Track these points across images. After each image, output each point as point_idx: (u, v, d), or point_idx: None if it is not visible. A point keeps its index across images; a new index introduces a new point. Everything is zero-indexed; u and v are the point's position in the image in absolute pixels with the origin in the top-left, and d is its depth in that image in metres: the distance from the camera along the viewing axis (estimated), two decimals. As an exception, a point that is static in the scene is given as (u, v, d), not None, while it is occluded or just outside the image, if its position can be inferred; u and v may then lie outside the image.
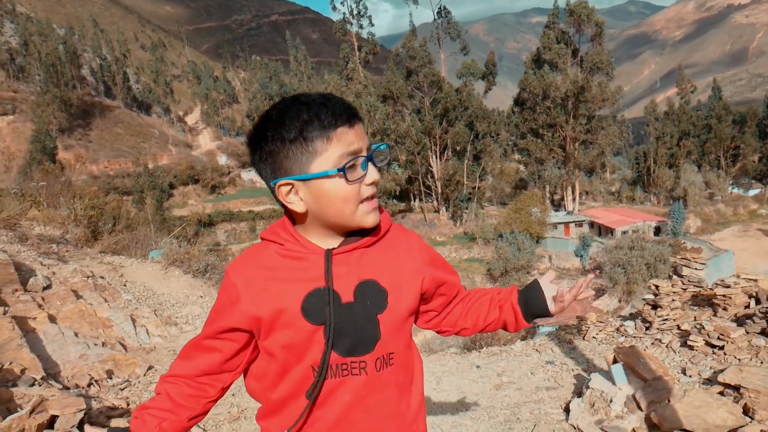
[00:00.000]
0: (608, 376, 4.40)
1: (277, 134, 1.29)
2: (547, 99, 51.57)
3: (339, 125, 1.28)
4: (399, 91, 52.58)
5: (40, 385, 3.79)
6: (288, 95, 1.35)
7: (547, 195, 55.28)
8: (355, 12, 56.03)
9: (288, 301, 1.32)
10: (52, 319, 4.90)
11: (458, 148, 53.13)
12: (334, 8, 56.22)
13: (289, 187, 1.32)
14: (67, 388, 4.06)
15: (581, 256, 41.11)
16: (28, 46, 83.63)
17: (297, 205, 1.33)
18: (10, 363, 3.93)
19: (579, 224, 47.98)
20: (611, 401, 4.16)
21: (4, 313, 4.37)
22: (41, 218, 8.07)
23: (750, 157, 67.26)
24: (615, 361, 4.49)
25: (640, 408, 4.06)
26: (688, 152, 64.92)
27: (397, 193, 50.69)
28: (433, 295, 1.54)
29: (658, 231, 45.13)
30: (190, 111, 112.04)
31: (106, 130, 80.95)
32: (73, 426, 3.21)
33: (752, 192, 64.28)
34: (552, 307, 1.54)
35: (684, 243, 38.14)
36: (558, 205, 56.26)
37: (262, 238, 1.43)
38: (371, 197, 1.35)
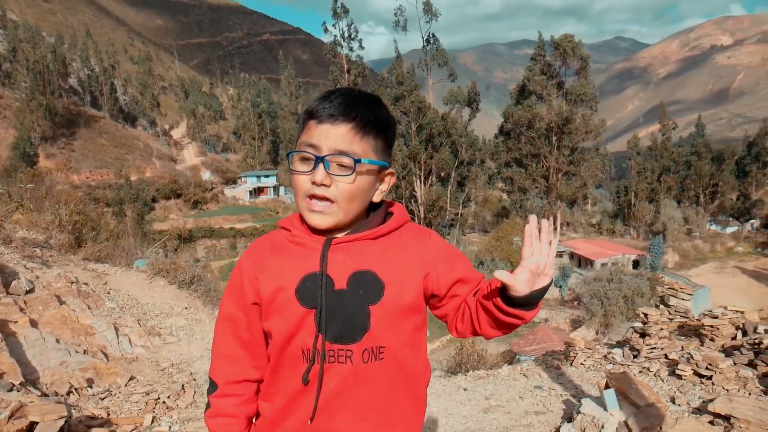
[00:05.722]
0: (599, 401, 4.38)
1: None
2: (531, 129, 52.06)
3: (314, 117, 1.33)
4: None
5: (18, 391, 3.69)
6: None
7: (529, 224, 55.17)
8: (346, 35, 56.45)
9: (286, 281, 1.37)
10: (34, 323, 4.77)
11: (443, 174, 53.18)
12: (326, 30, 56.52)
13: None
14: (46, 395, 3.93)
15: (560, 287, 41.25)
16: (16, 53, 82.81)
17: None
18: (-11, 366, 3.77)
19: (559, 254, 48.01)
20: (603, 427, 4.12)
21: (-15, 315, 4.16)
22: (24, 222, 7.85)
23: (728, 195, 68.70)
24: (607, 387, 4.46)
25: (631, 435, 4.03)
26: (669, 188, 66.09)
27: (380, 215, 50.29)
28: (445, 296, 1.46)
29: (636, 264, 45.50)
30: (176, 125, 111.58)
31: (90, 140, 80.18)
32: (54, 433, 3.11)
33: (729, 229, 65.33)
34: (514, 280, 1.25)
35: (662, 277, 38.41)
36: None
37: (280, 226, 1.48)
38: (315, 197, 1.34)
